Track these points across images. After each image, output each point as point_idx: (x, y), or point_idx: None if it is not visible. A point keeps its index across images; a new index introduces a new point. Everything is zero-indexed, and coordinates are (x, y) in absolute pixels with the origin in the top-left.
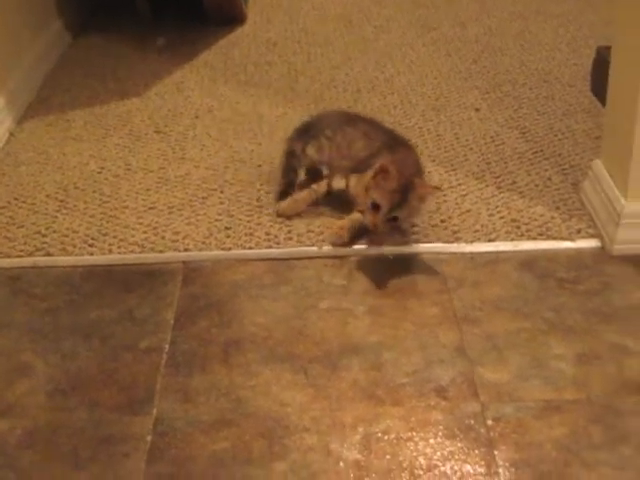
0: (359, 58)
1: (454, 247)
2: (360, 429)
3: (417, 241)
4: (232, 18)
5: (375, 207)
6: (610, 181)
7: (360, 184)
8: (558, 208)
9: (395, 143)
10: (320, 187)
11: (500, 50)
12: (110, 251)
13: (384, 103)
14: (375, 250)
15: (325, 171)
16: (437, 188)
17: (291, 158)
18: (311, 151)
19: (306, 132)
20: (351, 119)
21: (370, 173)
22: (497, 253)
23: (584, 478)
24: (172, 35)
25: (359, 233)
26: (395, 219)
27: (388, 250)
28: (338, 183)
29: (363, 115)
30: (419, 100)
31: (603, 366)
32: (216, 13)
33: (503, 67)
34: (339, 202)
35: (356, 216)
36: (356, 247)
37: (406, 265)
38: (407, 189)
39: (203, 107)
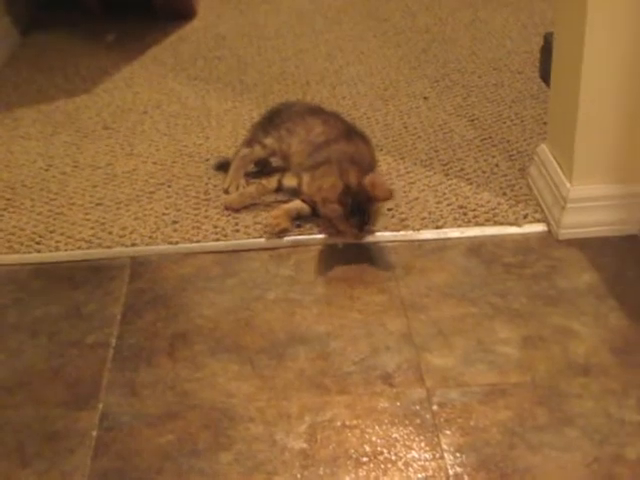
0: (309, 50)
1: (402, 235)
2: (306, 418)
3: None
4: (181, 13)
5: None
6: (555, 166)
7: (314, 184)
8: (505, 194)
9: (352, 134)
10: (270, 183)
11: (450, 39)
12: (57, 248)
13: (333, 94)
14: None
15: (275, 164)
16: (391, 193)
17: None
18: (269, 141)
19: (270, 122)
20: (314, 110)
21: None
22: (444, 240)
23: (529, 460)
24: (121, 31)
25: (295, 220)
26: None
27: (337, 239)
28: (289, 181)
29: (326, 108)
30: (368, 90)
31: (548, 349)
32: (165, 8)
33: (453, 56)
34: (290, 195)
35: (292, 204)
36: (303, 237)
37: (354, 254)
38: (365, 204)
39: (152, 102)
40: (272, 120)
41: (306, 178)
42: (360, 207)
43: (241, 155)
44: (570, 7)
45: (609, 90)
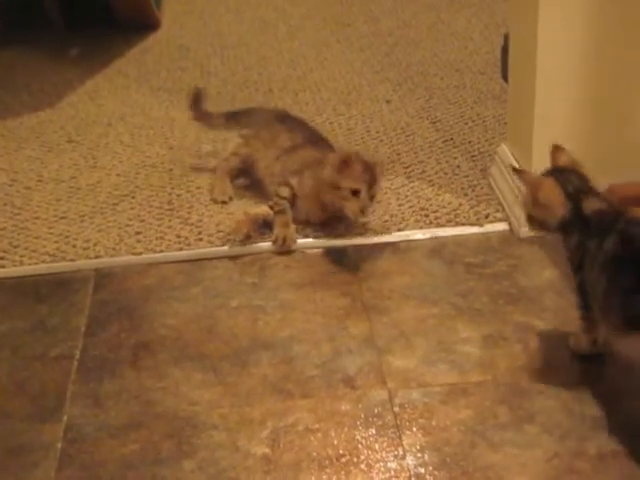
0: (273, 58)
1: (364, 238)
2: (269, 423)
3: (327, 234)
4: (145, 24)
5: (355, 193)
6: (515, 164)
7: (318, 183)
8: (466, 194)
9: (318, 140)
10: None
11: (413, 42)
12: (21, 263)
13: (296, 100)
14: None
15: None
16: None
17: None
18: (243, 150)
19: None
20: (280, 115)
21: (328, 168)
22: (407, 242)
23: (490, 458)
24: (85, 45)
25: (258, 227)
26: (372, 198)
27: (300, 244)
28: (284, 192)
29: (294, 115)
30: (331, 96)
31: (509, 347)
32: (128, 20)
33: (415, 59)
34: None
35: (258, 210)
36: (266, 244)
37: (317, 258)
38: (371, 166)
39: (116, 115)
40: (239, 122)
41: (298, 180)
42: (371, 181)
43: (220, 167)
44: (523, 6)
45: (564, 89)
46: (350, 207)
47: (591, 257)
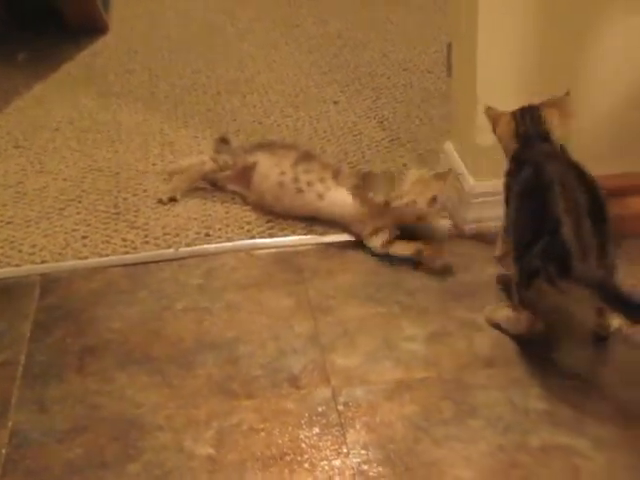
0: (221, 60)
1: (309, 238)
2: (214, 424)
3: (272, 235)
4: (93, 28)
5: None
6: (460, 162)
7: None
8: None
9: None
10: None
11: (361, 43)
12: None
13: (244, 103)
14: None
15: None
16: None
17: None
18: (224, 157)
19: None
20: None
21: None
22: (351, 242)
23: (434, 454)
24: (33, 49)
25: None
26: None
27: (247, 245)
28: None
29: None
30: (279, 98)
31: (454, 343)
32: (77, 25)
33: (364, 59)
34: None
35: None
36: (212, 246)
37: (263, 259)
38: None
39: (64, 119)
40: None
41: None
42: None
43: (193, 168)
44: (464, 8)
45: (505, 86)
46: (432, 216)
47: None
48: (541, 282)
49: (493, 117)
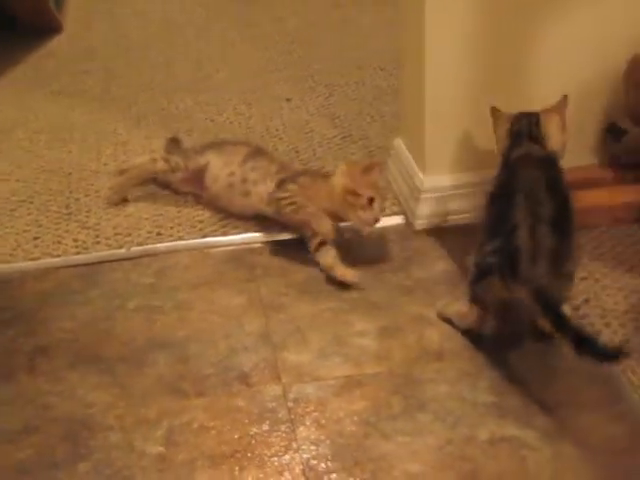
0: (178, 59)
1: (261, 237)
2: (164, 423)
3: (225, 233)
4: (47, 27)
5: (371, 202)
6: (410, 157)
7: (323, 192)
8: None
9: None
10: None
11: (316, 41)
12: None
13: (197, 102)
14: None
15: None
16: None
17: None
18: (175, 158)
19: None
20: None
21: (344, 176)
22: (303, 240)
23: (382, 448)
24: None
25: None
26: (382, 210)
27: (199, 244)
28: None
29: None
30: (232, 95)
31: (404, 338)
32: (30, 23)
33: (318, 57)
34: (150, 201)
35: (135, 167)
36: (164, 244)
37: (215, 257)
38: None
39: (16, 120)
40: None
41: (293, 186)
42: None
43: (141, 167)
44: (410, 9)
45: (452, 82)
46: (365, 216)
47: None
48: (493, 279)
49: (494, 117)
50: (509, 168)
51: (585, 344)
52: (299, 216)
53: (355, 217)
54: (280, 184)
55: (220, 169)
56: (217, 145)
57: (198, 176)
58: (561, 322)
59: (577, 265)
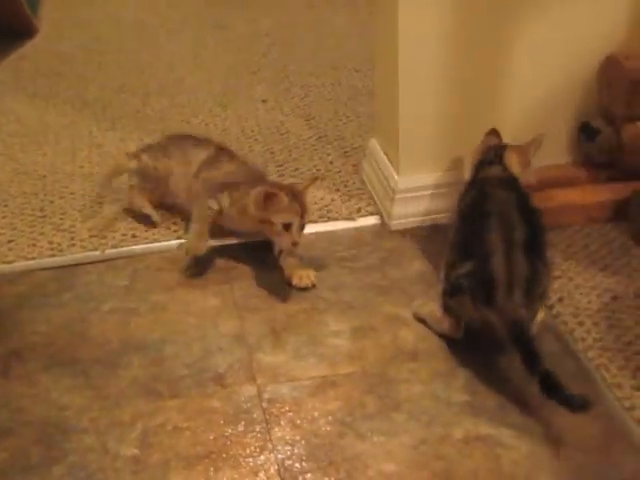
0: (150, 62)
1: (234, 239)
2: (138, 425)
3: None
4: (21, 31)
5: (287, 227)
6: (384, 158)
7: (244, 216)
8: (339, 190)
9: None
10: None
11: (291, 42)
12: None
13: (172, 104)
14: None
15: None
16: (316, 178)
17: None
18: (145, 157)
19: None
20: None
21: (253, 205)
22: None
23: (357, 447)
24: None
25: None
26: (303, 227)
27: (173, 246)
28: (213, 205)
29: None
30: (207, 97)
31: (378, 338)
32: (3, 27)
33: (293, 58)
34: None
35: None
36: (139, 247)
37: (189, 260)
38: (296, 194)
39: None
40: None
41: (224, 200)
42: (302, 209)
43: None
44: (384, 11)
45: (426, 83)
46: (283, 242)
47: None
48: (465, 299)
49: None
50: (475, 189)
51: (552, 390)
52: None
53: (274, 239)
54: (219, 188)
55: (183, 178)
56: (180, 147)
57: (164, 182)
58: (532, 360)
59: (550, 281)
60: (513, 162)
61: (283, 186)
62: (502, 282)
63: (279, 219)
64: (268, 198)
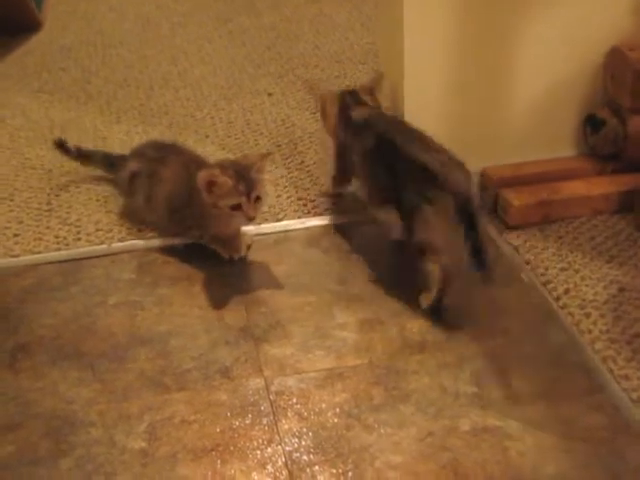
0: (154, 55)
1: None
2: (145, 417)
3: None
4: (25, 26)
5: (236, 208)
6: None
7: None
8: None
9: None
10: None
11: (295, 35)
12: None
13: (177, 97)
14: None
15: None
16: (268, 154)
17: None
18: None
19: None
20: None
21: (202, 192)
22: (285, 232)
23: (364, 439)
24: None
25: None
26: (258, 199)
27: (179, 239)
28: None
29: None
30: (212, 91)
31: (385, 330)
32: (8, 22)
33: (297, 51)
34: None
35: None
36: (143, 241)
37: (194, 252)
38: (242, 171)
39: None
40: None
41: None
42: (250, 185)
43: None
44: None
45: (432, 76)
46: (238, 221)
47: (355, 150)
48: (422, 210)
49: (321, 97)
50: (360, 126)
51: (477, 256)
52: None
53: (233, 224)
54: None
55: None
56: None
57: None
58: (471, 222)
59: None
60: (368, 100)
61: (226, 165)
62: (439, 166)
63: (225, 203)
64: (211, 184)
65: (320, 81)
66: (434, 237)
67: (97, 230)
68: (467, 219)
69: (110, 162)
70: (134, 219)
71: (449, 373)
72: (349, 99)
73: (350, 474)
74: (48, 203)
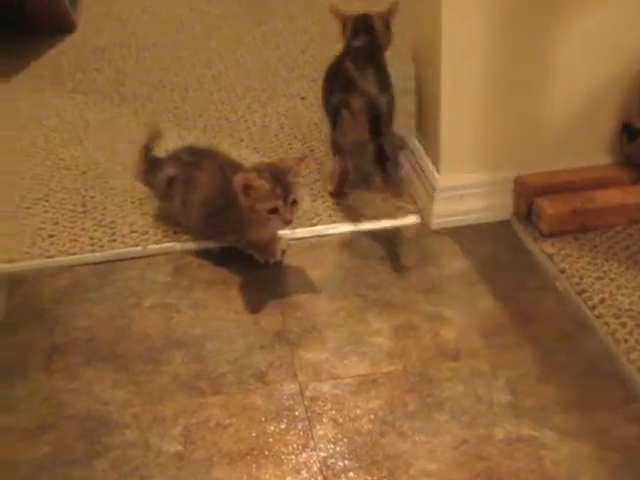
0: (188, 58)
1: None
2: (181, 421)
3: None
4: (61, 27)
5: (273, 211)
6: (425, 157)
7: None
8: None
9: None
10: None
11: (328, 39)
12: None
13: (211, 100)
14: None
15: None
16: (304, 157)
17: None
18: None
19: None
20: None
21: (239, 195)
22: (319, 237)
23: (399, 447)
24: (0, 48)
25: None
26: (295, 202)
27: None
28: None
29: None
30: (246, 94)
31: (419, 337)
32: (44, 23)
33: (330, 55)
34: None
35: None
36: (179, 244)
37: (230, 255)
38: (279, 174)
39: (31, 118)
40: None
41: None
42: (286, 188)
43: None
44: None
45: (469, 81)
46: (274, 225)
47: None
48: (342, 112)
49: (340, 15)
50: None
51: (380, 159)
52: None
53: (269, 225)
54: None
55: None
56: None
57: None
58: (377, 128)
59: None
60: (380, 26)
61: (262, 169)
62: (357, 76)
63: (262, 206)
64: (247, 188)
65: None
66: (342, 138)
67: (132, 232)
68: (374, 123)
69: (147, 165)
70: (170, 222)
71: (483, 381)
72: (362, 23)
73: None
74: (83, 205)
